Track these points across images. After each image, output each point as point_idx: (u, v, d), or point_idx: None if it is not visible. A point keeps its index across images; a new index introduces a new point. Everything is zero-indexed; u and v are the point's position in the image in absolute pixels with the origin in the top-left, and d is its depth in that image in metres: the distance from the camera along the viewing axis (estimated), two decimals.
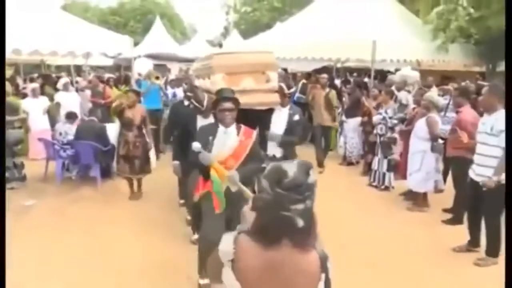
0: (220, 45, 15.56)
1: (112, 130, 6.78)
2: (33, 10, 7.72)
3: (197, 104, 4.44)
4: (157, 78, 8.48)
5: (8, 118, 5.98)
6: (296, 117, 4.62)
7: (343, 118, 8.33)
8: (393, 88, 7.83)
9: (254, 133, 3.53)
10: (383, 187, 6.68)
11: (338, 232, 4.64)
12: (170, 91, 9.53)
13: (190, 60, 15.26)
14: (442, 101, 6.34)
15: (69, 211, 5.65)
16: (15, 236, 4.18)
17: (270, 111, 4.51)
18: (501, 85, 4.10)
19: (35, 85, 9.01)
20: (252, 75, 4.04)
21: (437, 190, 5.82)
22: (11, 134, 6.33)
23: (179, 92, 9.09)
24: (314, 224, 1.47)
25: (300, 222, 1.39)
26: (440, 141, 5.57)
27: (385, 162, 6.65)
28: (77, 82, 11.72)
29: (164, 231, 4.90)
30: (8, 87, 6.81)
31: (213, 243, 3.40)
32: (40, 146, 7.31)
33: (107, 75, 12.61)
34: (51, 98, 8.80)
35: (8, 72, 11.15)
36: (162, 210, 5.63)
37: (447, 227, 5.20)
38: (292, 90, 4.95)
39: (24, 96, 9.02)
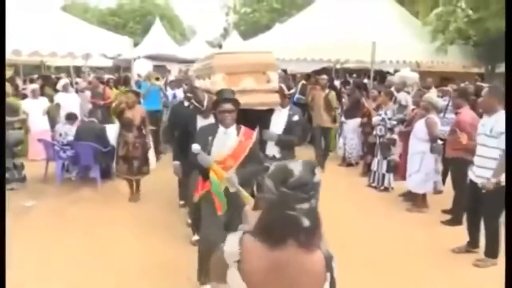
0: (220, 46, 15.56)
1: (112, 131, 6.78)
2: (32, 11, 7.73)
3: (197, 104, 4.45)
4: (157, 79, 8.49)
5: (8, 119, 5.98)
6: (296, 118, 4.63)
7: (343, 119, 8.35)
8: (392, 89, 7.85)
9: (254, 134, 3.54)
10: (382, 188, 6.69)
11: (337, 233, 4.63)
12: (170, 92, 9.54)
13: (189, 61, 15.28)
14: (441, 102, 6.36)
15: (69, 212, 5.65)
16: (15, 236, 4.18)
17: (270, 111, 4.52)
18: (501, 87, 4.12)
19: (35, 86, 9.02)
20: (253, 75, 4.05)
21: (436, 191, 5.84)
22: (11, 135, 6.33)
23: (179, 93, 9.10)
24: (319, 223, 1.46)
25: (306, 222, 1.39)
26: (439, 142, 5.59)
27: (384, 163, 6.66)
28: (76, 83, 11.72)
29: (164, 232, 4.90)
30: (8, 88, 6.82)
31: (213, 244, 3.42)
32: (39, 147, 7.32)
33: (107, 76, 12.61)
34: (51, 99, 8.80)
35: (8, 73, 11.15)
36: (162, 211, 5.63)
37: (446, 228, 5.21)
38: (292, 91, 4.96)
39: (24, 97, 9.02)
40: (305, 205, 1.39)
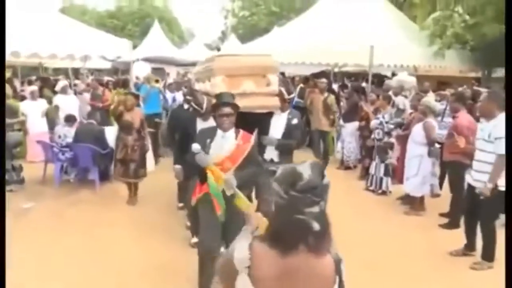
0: (218, 49, 15.59)
1: (111, 133, 6.78)
2: (32, 12, 7.74)
3: (196, 107, 4.47)
4: (157, 81, 8.51)
5: (7, 120, 5.99)
6: (295, 121, 4.64)
7: (341, 122, 8.38)
8: (390, 93, 7.89)
9: (252, 138, 3.54)
10: (380, 191, 6.72)
11: (335, 236, 4.64)
12: (169, 95, 9.55)
13: (187, 64, 15.31)
14: (439, 106, 6.41)
15: (67, 214, 5.65)
16: (14, 238, 4.17)
17: (270, 114, 4.52)
18: (500, 92, 4.17)
19: (34, 87, 9.03)
20: (253, 78, 4.05)
21: (434, 195, 5.88)
22: (10, 136, 6.34)
23: (179, 96, 9.12)
24: (328, 226, 1.44)
25: (316, 225, 1.37)
26: (437, 145, 5.63)
27: (382, 166, 6.69)
28: (75, 85, 11.72)
29: (163, 234, 4.91)
30: (8, 89, 6.83)
31: (212, 247, 3.44)
32: (38, 149, 7.31)
33: (106, 78, 12.62)
34: (50, 101, 8.81)
35: (6, 75, 11.14)
36: (161, 213, 5.63)
37: (443, 231, 5.24)
38: (292, 95, 4.97)
39: (22, 98, 9.02)
40: (315, 208, 1.37)
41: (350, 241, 4.85)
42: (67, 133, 6.95)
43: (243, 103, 3.65)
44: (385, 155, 6.66)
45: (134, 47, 13.27)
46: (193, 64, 12.48)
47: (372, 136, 6.91)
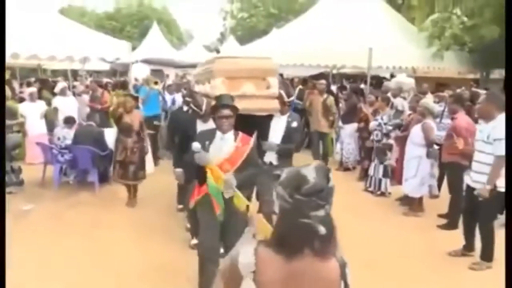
0: (217, 51, 15.60)
1: (110, 135, 6.78)
2: (31, 14, 7.75)
3: (196, 109, 4.48)
4: (156, 83, 8.51)
5: (7, 122, 5.98)
6: (294, 124, 4.64)
7: (340, 124, 8.40)
8: (389, 94, 7.92)
9: (252, 140, 3.54)
10: (379, 192, 6.73)
11: None
12: (168, 97, 9.56)
13: (186, 66, 15.31)
14: (438, 107, 6.44)
15: (67, 215, 5.64)
16: (13, 240, 4.17)
17: (270, 117, 4.52)
18: (498, 94, 4.19)
19: (33, 89, 9.02)
20: (253, 81, 4.06)
21: (432, 195, 5.90)
22: (10, 138, 6.33)
23: (178, 98, 9.12)
24: (334, 230, 1.43)
25: (322, 229, 1.35)
26: (436, 147, 5.65)
27: (381, 168, 6.71)
28: (74, 86, 11.72)
29: (163, 236, 4.91)
30: (8, 91, 6.82)
31: (212, 247, 3.45)
32: (37, 151, 7.30)
33: (105, 80, 12.63)
34: (49, 103, 8.80)
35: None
36: (160, 215, 5.63)
37: (442, 232, 5.25)
38: (292, 98, 4.97)
39: (21, 100, 9.02)
40: (321, 212, 1.36)
41: (349, 242, 4.84)
42: (66, 135, 6.94)
43: (243, 106, 3.65)
44: (383, 156, 6.68)
45: (133, 48, 13.28)
46: (192, 65, 12.50)
47: (371, 137, 6.93)
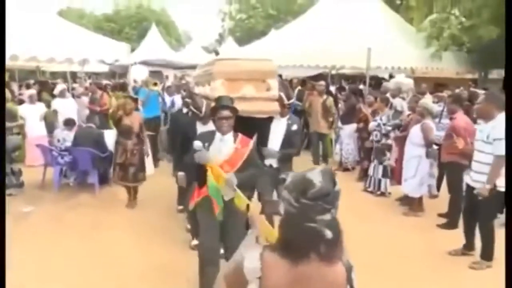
0: (217, 53, 15.61)
1: (110, 136, 6.78)
2: (31, 16, 7.75)
3: (195, 111, 4.49)
4: (155, 84, 8.52)
5: (7, 124, 5.99)
6: (294, 127, 4.66)
7: (339, 124, 8.42)
8: (388, 95, 7.94)
9: (251, 142, 3.55)
10: (379, 192, 6.75)
11: None
12: (168, 98, 9.56)
13: (185, 67, 15.33)
14: (437, 107, 6.46)
15: (67, 217, 5.65)
16: (14, 242, 4.17)
17: (270, 119, 4.52)
18: (498, 93, 4.21)
19: (33, 91, 9.02)
20: (253, 83, 4.06)
21: (431, 195, 5.92)
22: (9, 140, 6.33)
23: (178, 99, 9.13)
24: (340, 234, 1.41)
25: (329, 233, 1.34)
26: (435, 147, 5.66)
27: (380, 168, 6.73)
28: (73, 88, 11.71)
29: (163, 237, 4.92)
30: (7, 93, 6.83)
31: (212, 248, 3.45)
32: (36, 153, 7.30)
33: (104, 82, 12.63)
34: (48, 105, 8.80)
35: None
36: (160, 216, 5.64)
37: (442, 231, 5.27)
38: (292, 101, 4.98)
39: (20, 102, 9.02)
40: (327, 216, 1.35)
41: (349, 242, 4.86)
42: (66, 136, 6.94)
43: (243, 108, 3.66)
44: (382, 156, 6.70)
45: (132, 50, 13.29)
46: (191, 67, 12.52)
47: (370, 138, 6.95)
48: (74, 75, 15.23)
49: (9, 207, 5.31)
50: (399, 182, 6.22)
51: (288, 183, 1.42)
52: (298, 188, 1.37)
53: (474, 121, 5.69)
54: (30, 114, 7.84)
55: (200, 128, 4.40)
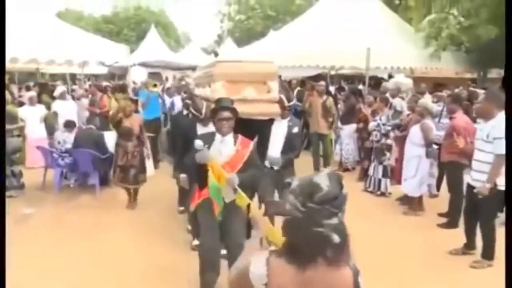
0: (215, 53, 15.62)
1: (111, 138, 6.79)
2: (29, 18, 7.77)
3: (195, 113, 4.50)
4: (155, 85, 8.52)
5: (7, 126, 5.99)
6: (296, 130, 4.68)
7: (339, 124, 8.43)
8: (387, 95, 7.95)
9: (252, 143, 3.56)
10: (379, 192, 6.76)
11: None
12: (168, 100, 9.57)
13: (184, 68, 15.32)
14: (436, 107, 6.47)
15: (68, 219, 5.66)
16: (14, 244, 4.18)
17: (271, 120, 4.52)
18: (498, 92, 4.21)
19: (33, 93, 9.02)
20: (253, 85, 4.06)
21: (431, 195, 5.93)
22: (10, 142, 6.32)
23: (178, 101, 9.13)
24: (347, 238, 1.40)
25: (336, 238, 1.33)
26: (435, 146, 5.68)
27: (380, 168, 6.74)
28: (73, 90, 11.72)
29: (164, 238, 4.93)
30: (7, 95, 6.83)
31: (213, 248, 3.46)
32: (37, 155, 7.31)
33: (104, 83, 12.63)
34: (48, 107, 8.81)
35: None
36: (161, 217, 5.65)
37: (442, 231, 5.28)
38: (292, 103, 5.00)
39: (20, 104, 9.02)
40: (334, 220, 1.33)
41: (350, 242, 4.89)
42: (66, 138, 6.95)
43: (244, 110, 3.67)
44: (381, 156, 6.71)
45: (131, 52, 13.30)
46: (190, 68, 12.53)
47: (370, 138, 6.96)
48: (73, 77, 15.24)
49: (10, 209, 5.33)
50: (399, 182, 6.23)
51: (294, 187, 1.40)
52: (304, 192, 1.35)
53: (474, 121, 5.70)
54: (30, 116, 7.85)
55: (200, 130, 4.41)
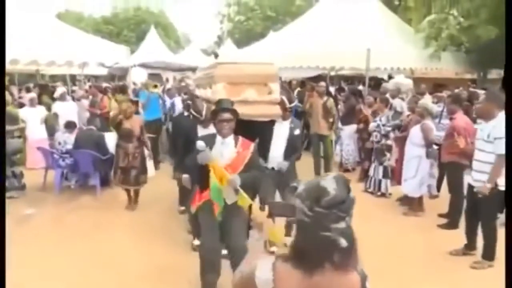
0: (215, 54, 15.63)
1: (111, 139, 6.79)
2: (30, 20, 7.78)
3: (196, 114, 4.51)
4: (155, 86, 8.53)
5: (7, 127, 5.99)
6: (297, 131, 4.69)
7: (339, 125, 8.44)
8: (387, 95, 7.96)
9: (252, 145, 3.57)
10: (379, 193, 6.76)
11: None
12: (168, 101, 9.57)
13: (184, 69, 15.33)
14: (436, 108, 6.48)
15: (68, 219, 5.66)
16: (15, 244, 4.18)
17: (272, 122, 4.53)
18: (498, 93, 4.21)
19: (33, 94, 9.04)
20: (254, 86, 4.07)
21: (432, 196, 5.93)
22: (10, 143, 6.33)
23: (178, 102, 9.13)
24: (355, 242, 1.37)
25: (344, 242, 1.30)
26: (435, 147, 5.69)
27: (380, 168, 6.74)
28: (73, 91, 11.72)
29: (165, 238, 4.93)
30: (8, 96, 6.84)
31: (214, 248, 3.47)
32: (37, 156, 7.32)
33: (104, 85, 12.64)
34: (48, 108, 8.82)
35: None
36: (162, 218, 5.65)
37: (443, 231, 5.28)
38: (293, 104, 5.02)
39: (20, 106, 9.03)
40: (341, 224, 1.31)
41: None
42: (67, 139, 6.96)
43: (245, 111, 3.68)
44: (381, 157, 6.72)
45: (131, 52, 13.32)
46: (190, 69, 12.55)
47: (371, 138, 6.97)
48: (73, 78, 15.24)
49: (11, 210, 5.34)
50: (399, 182, 6.24)
51: (301, 191, 1.37)
52: (311, 196, 1.33)
53: (474, 121, 5.70)
54: (30, 117, 7.86)
55: (201, 131, 4.42)
